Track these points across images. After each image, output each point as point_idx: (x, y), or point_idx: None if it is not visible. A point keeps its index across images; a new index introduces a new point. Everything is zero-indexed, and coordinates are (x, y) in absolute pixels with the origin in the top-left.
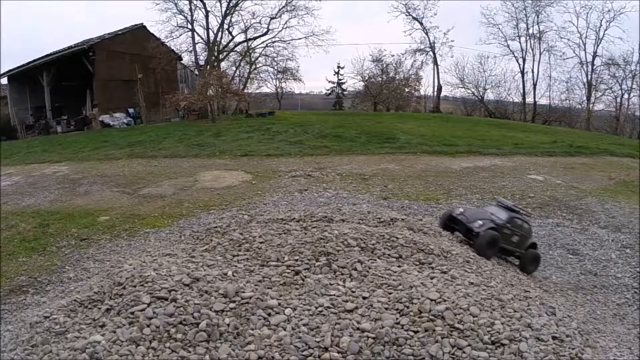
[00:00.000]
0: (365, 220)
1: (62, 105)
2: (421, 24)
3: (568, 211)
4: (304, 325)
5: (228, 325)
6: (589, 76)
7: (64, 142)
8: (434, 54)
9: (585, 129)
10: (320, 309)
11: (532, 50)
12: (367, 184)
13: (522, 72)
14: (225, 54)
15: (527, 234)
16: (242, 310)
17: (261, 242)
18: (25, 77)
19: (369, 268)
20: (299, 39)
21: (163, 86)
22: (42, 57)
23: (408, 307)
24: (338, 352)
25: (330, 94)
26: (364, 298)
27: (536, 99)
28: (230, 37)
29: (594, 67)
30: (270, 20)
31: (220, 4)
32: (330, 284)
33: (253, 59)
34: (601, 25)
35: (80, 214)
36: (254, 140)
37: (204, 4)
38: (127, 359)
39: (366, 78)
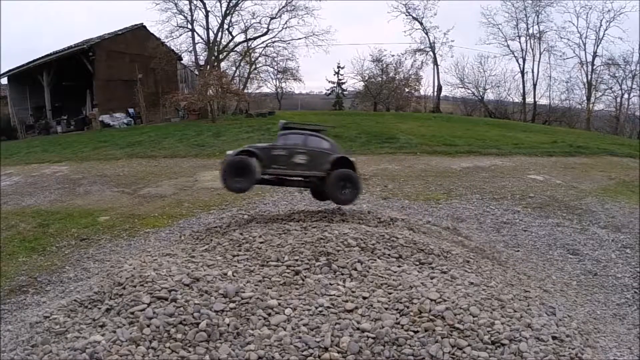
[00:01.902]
0: (365, 220)
1: (62, 105)
2: (421, 24)
3: (568, 211)
4: (304, 325)
5: (228, 325)
6: (589, 76)
7: (64, 142)
8: (434, 54)
9: (585, 129)
10: (320, 309)
11: (532, 50)
12: (367, 184)
13: (522, 72)
14: (225, 54)
15: (327, 151)
16: (242, 310)
17: (261, 242)
18: (25, 77)
19: (369, 268)
20: (299, 39)
21: (163, 86)
22: (42, 57)
23: (408, 307)
24: (338, 352)
25: (330, 94)
26: (364, 298)
27: (536, 99)
28: (230, 37)
29: (594, 67)
30: (270, 20)
31: (220, 4)
32: (330, 284)
33: (253, 59)
34: (601, 25)
35: (80, 214)
36: (254, 140)
37: (204, 4)
38: (127, 359)
39: (366, 78)
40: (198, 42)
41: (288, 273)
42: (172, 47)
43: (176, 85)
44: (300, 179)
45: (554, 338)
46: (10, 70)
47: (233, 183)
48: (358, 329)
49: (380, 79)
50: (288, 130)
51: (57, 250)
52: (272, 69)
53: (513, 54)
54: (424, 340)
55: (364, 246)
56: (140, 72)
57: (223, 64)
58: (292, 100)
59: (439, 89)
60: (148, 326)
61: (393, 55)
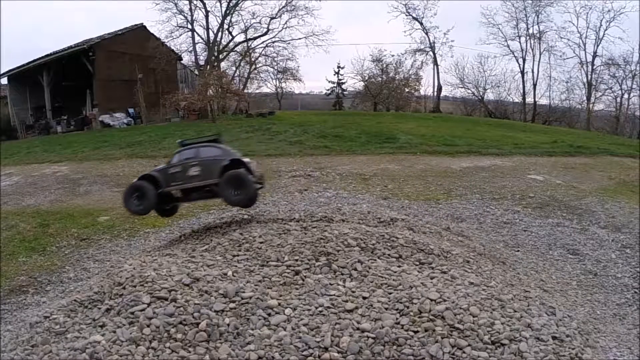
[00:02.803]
0: (365, 220)
1: (62, 105)
2: (421, 24)
3: (568, 211)
4: (304, 325)
5: (228, 325)
6: (589, 76)
7: (64, 142)
8: (434, 54)
9: (585, 129)
10: (320, 309)
11: (532, 50)
12: (367, 184)
13: (522, 72)
14: (225, 54)
15: (219, 157)
16: (242, 310)
17: (261, 242)
18: (25, 77)
19: (369, 268)
20: (299, 39)
21: (163, 86)
22: (42, 57)
23: (408, 307)
24: (338, 352)
25: (330, 94)
26: (364, 298)
27: (536, 99)
28: (230, 37)
29: (594, 67)
30: (270, 20)
31: (220, 4)
32: (330, 284)
33: (253, 59)
34: (601, 25)
35: (80, 214)
36: (254, 140)
37: (204, 4)
38: (127, 359)
39: (366, 78)
40: (198, 42)
41: (288, 273)
42: (172, 47)
43: (176, 85)
44: (201, 189)
45: (554, 338)
46: (10, 70)
47: (133, 206)
48: (358, 329)
49: (380, 79)
50: (183, 147)
51: (57, 250)
52: (272, 69)
53: (513, 54)
54: (424, 340)
55: (364, 246)
56: (140, 72)
57: (223, 64)
58: (292, 100)
59: (439, 89)
60: (148, 326)
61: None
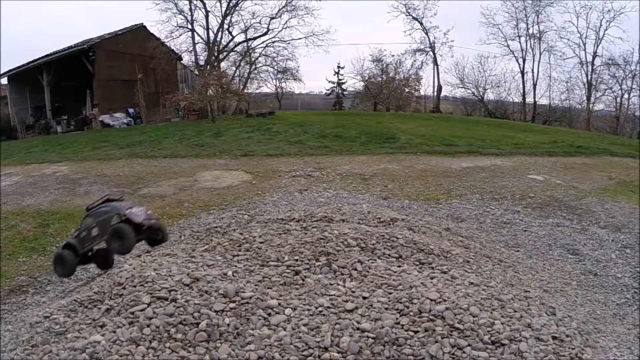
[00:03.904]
0: (365, 220)
1: (62, 105)
2: (421, 24)
3: (568, 211)
4: (304, 325)
5: (228, 325)
6: (589, 76)
7: (64, 142)
8: (434, 54)
9: (585, 129)
10: (320, 309)
11: (532, 50)
12: (367, 184)
13: (522, 72)
14: (225, 54)
15: (108, 213)
16: (242, 310)
17: (261, 242)
18: (25, 77)
19: (369, 268)
20: (299, 39)
21: (163, 86)
22: (42, 57)
23: (408, 307)
24: (338, 352)
25: (330, 94)
26: (364, 298)
27: (536, 99)
28: (230, 37)
29: (594, 67)
30: (270, 20)
31: (220, 4)
32: (330, 284)
33: (253, 59)
34: (601, 25)
35: (80, 214)
36: (254, 140)
37: (204, 4)
38: (127, 359)
39: (366, 78)
40: (198, 42)
41: (288, 273)
42: (172, 47)
43: (176, 85)
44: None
45: (554, 338)
46: (10, 70)
47: (57, 272)
48: (358, 329)
49: (380, 79)
50: (88, 211)
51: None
52: (272, 69)
53: (513, 54)
54: (424, 340)
55: (364, 246)
56: (140, 72)
57: (223, 64)
58: (292, 100)
59: (439, 89)
60: (148, 326)
61: (393, 55)
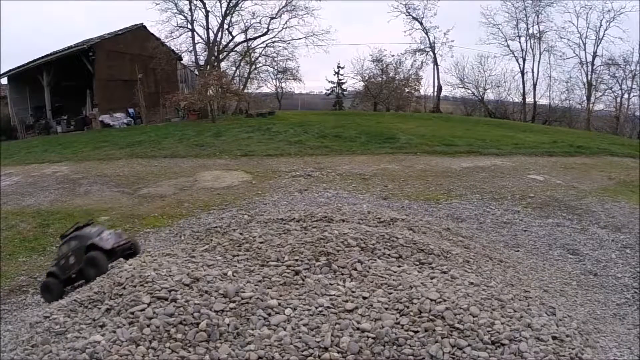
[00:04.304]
0: (365, 220)
1: (62, 105)
2: (421, 24)
3: (568, 211)
4: (304, 325)
5: (228, 325)
6: (589, 76)
7: (64, 142)
8: (434, 54)
9: (585, 129)
10: (320, 309)
11: (532, 50)
12: (367, 184)
13: (522, 72)
14: (225, 54)
15: (81, 242)
16: (242, 310)
17: (261, 242)
18: (25, 77)
19: (369, 268)
20: (299, 39)
21: (163, 86)
22: (42, 57)
23: (408, 307)
24: (338, 352)
25: (330, 94)
26: (364, 298)
27: (536, 99)
28: (230, 37)
29: (594, 67)
30: (270, 20)
31: (220, 4)
32: (330, 284)
33: (253, 59)
34: (601, 25)
35: (80, 214)
36: (254, 140)
37: (204, 4)
38: (127, 359)
39: (366, 78)
40: (198, 42)
41: (288, 273)
42: (172, 47)
43: (176, 85)
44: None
45: (554, 338)
46: (10, 70)
47: (47, 298)
48: (358, 329)
49: (380, 79)
50: (62, 239)
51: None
52: (272, 69)
53: (513, 54)
54: (424, 340)
55: (364, 246)
56: (140, 72)
57: (223, 64)
58: (292, 100)
59: (439, 89)
60: (148, 326)
61: (393, 55)
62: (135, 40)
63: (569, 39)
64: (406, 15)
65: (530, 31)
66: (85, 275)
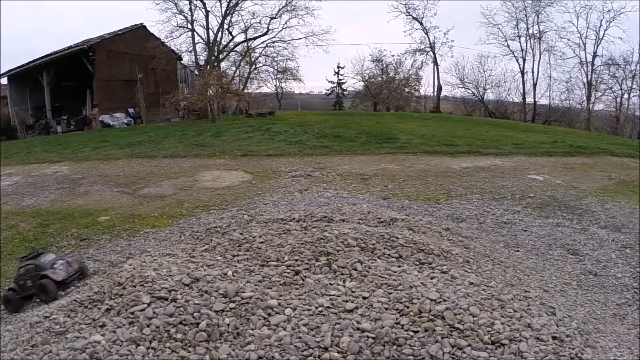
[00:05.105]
0: (365, 220)
1: (62, 105)
2: (421, 24)
3: (568, 211)
4: (304, 325)
5: (228, 325)
6: (589, 76)
7: (64, 142)
8: (434, 54)
9: (585, 129)
10: (320, 309)
11: (532, 50)
12: (367, 184)
13: (522, 72)
14: (225, 54)
15: (36, 269)
16: (242, 310)
17: (261, 242)
18: (25, 77)
19: (369, 268)
20: (299, 39)
21: (163, 86)
22: (42, 57)
23: (408, 307)
24: (338, 352)
25: (330, 94)
26: (364, 298)
27: (536, 99)
28: (230, 37)
29: (594, 67)
30: (270, 20)
31: (220, 4)
32: (330, 284)
33: (253, 59)
34: (601, 25)
35: (80, 214)
36: (254, 140)
37: (204, 4)
38: (127, 359)
39: (366, 78)
40: (198, 42)
41: (288, 273)
42: (172, 47)
43: (176, 85)
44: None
45: (554, 338)
46: (10, 70)
47: (9, 309)
48: (358, 329)
49: (380, 79)
50: (21, 261)
51: (57, 250)
52: (272, 69)
53: (513, 54)
54: (424, 340)
55: (364, 246)
56: (140, 72)
57: (223, 64)
58: (292, 100)
59: (439, 89)
60: (148, 326)
61: (393, 55)
62: (135, 40)
63: (569, 39)
64: (406, 15)
65: (530, 31)
66: (39, 298)
